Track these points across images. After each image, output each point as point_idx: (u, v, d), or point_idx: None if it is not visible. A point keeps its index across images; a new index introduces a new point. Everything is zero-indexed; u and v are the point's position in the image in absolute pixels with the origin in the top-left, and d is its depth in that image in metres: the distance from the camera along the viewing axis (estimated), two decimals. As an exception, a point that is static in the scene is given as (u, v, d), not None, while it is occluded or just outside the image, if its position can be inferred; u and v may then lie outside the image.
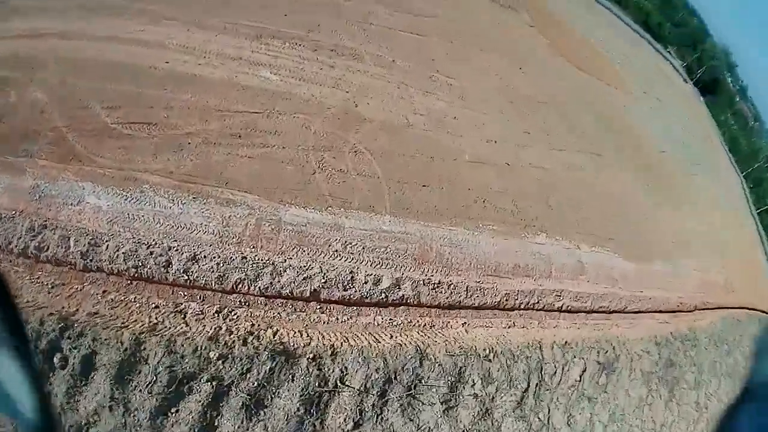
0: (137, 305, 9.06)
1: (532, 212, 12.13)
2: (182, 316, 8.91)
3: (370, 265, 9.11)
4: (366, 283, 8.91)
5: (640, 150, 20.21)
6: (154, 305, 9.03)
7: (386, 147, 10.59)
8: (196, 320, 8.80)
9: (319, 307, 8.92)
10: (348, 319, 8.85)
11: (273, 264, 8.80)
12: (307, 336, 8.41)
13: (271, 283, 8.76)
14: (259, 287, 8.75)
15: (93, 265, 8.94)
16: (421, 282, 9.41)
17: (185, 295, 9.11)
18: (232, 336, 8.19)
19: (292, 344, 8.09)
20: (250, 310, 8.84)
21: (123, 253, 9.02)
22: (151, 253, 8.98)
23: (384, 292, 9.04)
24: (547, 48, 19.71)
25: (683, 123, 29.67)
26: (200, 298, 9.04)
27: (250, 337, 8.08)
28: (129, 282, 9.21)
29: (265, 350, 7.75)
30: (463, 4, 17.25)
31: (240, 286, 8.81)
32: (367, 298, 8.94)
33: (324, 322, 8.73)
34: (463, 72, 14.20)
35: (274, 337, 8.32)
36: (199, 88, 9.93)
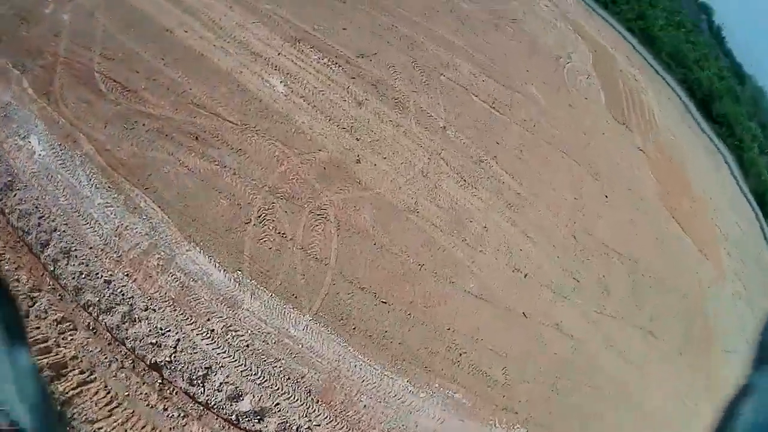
0: (5, 269, 7.08)
1: (524, 393, 7.70)
2: (30, 303, 6.69)
3: (241, 372, 5.74)
4: (219, 390, 5.63)
5: (706, 344, 13.90)
6: (16, 278, 6.92)
7: (365, 228, 7.07)
8: (36, 317, 6.62)
9: (161, 381, 5.74)
10: (176, 416, 5.61)
11: (131, 306, 5.93)
12: (110, 410, 5.39)
13: (118, 325, 5.92)
14: (106, 323, 5.93)
15: (-1, 206, 7.16)
16: (297, 428, 5.75)
17: (50, 285, 6.71)
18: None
19: (83, 408, 5.17)
20: (91, 339, 6.10)
21: (20, 209, 7.17)
22: (39, 225, 6.87)
23: (237, 415, 5.57)
24: (648, 183, 14.39)
25: (761, 322, 21.16)
26: (60, 296, 6.54)
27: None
28: (17, 241, 7.27)
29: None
30: (570, 95, 12.94)
31: (90, 309, 6.05)
32: (213, 407, 5.56)
33: (150, 405, 5.56)
34: (530, 174, 10.07)
35: (75, 389, 5.46)
36: (193, 70, 7.45)
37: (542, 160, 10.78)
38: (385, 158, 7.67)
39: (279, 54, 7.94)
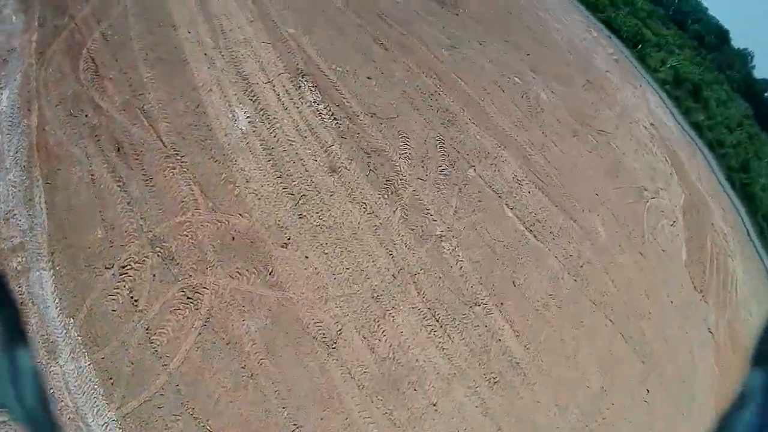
0: None
1: None
2: None
3: None
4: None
5: None
6: None
7: (242, 339, 4.51)
8: None
9: None
10: None
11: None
12: None
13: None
14: None
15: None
16: None
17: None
18: None
19: None
20: None
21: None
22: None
23: None
24: (706, 377, 9.24)
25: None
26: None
27: None
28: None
29: None
30: (644, 241, 8.94)
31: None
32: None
33: None
34: (547, 339, 6.55)
35: None
36: (166, 74, 6.06)
37: (574, 322, 7.12)
38: (326, 254, 5.05)
39: (268, 82, 6.00)
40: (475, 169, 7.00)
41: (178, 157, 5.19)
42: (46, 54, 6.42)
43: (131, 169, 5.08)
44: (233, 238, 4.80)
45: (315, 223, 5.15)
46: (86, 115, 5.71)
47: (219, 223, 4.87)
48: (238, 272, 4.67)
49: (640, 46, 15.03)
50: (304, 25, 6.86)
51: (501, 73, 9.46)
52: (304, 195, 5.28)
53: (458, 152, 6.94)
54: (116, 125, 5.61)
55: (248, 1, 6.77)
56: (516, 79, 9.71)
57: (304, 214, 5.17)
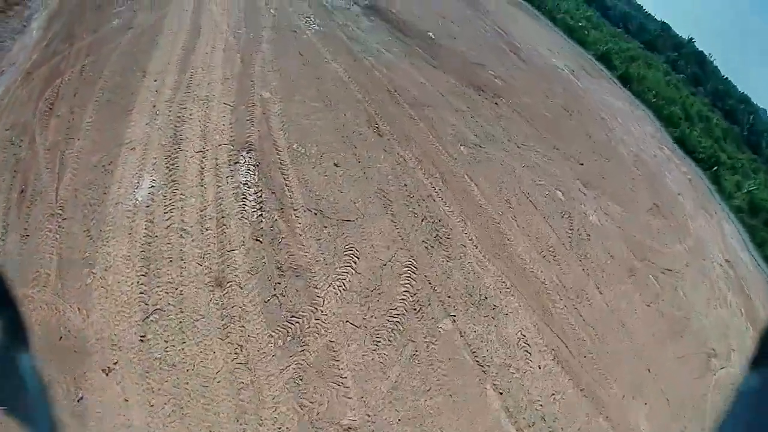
0: None
1: None
2: None
3: None
4: None
5: None
6: None
7: None
8: None
9: None
10: None
11: None
12: None
13: None
14: None
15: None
16: None
17: None
18: None
19: None
20: None
21: None
22: None
23: None
24: None
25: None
26: None
27: None
28: None
29: None
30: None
31: None
32: None
33: None
34: None
35: None
36: (106, 120, 5.16)
37: None
38: (151, 405, 3.16)
39: (200, 151, 4.61)
40: (454, 321, 4.54)
41: (59, 220, 3.99)
42: (32, 75, 6.06)
43: (18, 218, 4.02)
44: (61, 338, 3.19)
45: (155, 355, 3.28)
46: (20, 146, 4.90)
47: (55, 313, 3.38)
48: (48, 383, 2.93)
49: (716, 168, 12.77)
50: (287, 92, 5.64)
51: (537, 182, 7.10)
52: (160, 309, 3.49)
53: (435, 289, 4.61)
54: (35, 165, 4.64)
55: (237, 57, 5.87)
56: (558, 193, 7.21)
57: (149, 336, 3.35)
